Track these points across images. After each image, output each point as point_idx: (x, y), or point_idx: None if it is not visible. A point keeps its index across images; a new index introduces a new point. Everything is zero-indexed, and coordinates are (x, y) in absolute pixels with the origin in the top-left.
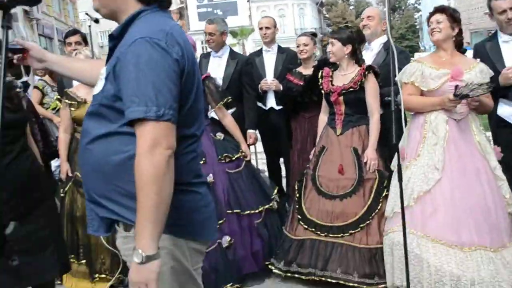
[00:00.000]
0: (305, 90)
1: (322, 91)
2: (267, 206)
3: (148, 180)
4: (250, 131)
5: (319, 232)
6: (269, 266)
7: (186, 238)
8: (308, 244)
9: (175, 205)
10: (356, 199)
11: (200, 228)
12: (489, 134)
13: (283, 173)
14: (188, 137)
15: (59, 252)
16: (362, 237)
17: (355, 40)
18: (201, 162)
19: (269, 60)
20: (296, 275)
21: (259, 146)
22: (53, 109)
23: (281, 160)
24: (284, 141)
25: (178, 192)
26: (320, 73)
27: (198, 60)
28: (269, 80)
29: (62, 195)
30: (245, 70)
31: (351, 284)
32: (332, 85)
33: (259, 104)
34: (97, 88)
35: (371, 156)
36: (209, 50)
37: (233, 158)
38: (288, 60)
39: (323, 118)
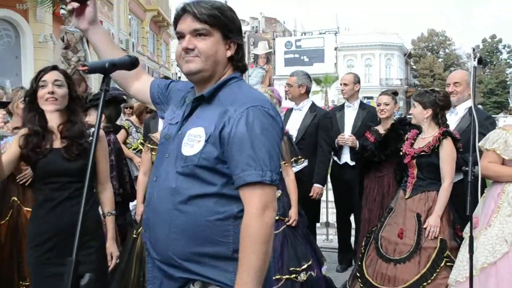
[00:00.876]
0: (377, 150)
1: (401, 153)
2: (286, 276)
3: (258, 240)
4: (316, 185)
5: None
6: None
7: None
8: None
9: None
10: (409, 266)
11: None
12: None
13: (353, 228)
14: None
15: None
16: None
17: (438, 105)
18: None
19: (350, 116)
20: None
21: (331, 195)
22: (134, 149)
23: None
24: (356, 197)
25: None
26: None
27: (282, 115)
28: (346, 135)
29: (134, 236)
30: (322, 124)
31: None
32: (412, 147)
33: (334, 158)
34: (192, 150)
35: (432, 223)
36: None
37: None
38: (368, 117)
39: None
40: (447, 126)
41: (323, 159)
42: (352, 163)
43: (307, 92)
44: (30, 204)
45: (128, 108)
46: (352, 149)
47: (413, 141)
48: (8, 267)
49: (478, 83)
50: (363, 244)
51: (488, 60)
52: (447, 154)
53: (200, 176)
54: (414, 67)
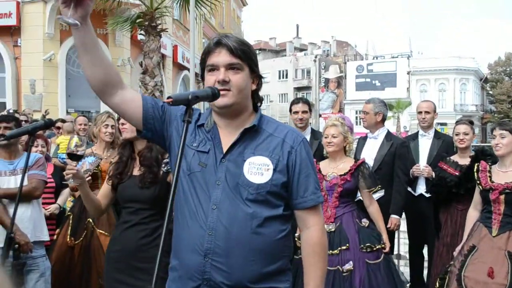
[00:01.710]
0: (462, 182)
1: (479, 186)
2: None
3: (326, 251)
4: (393, 216)
5: None
6: None
7: None
8: None
9: None
10: None
11: None
12: None
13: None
14: None
15: None
16: None
17: None
18: (344, 247)
19: (424, 145)
20: None
21: (403, 225)
22: None
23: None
24: (431, 230)
25: None
26: (476, 167)
27: (356, 143)
28: (422, 166)
29: None
30: (399, 153)
31: None
32: (492, 181)
33: (409, 189)
34: (263, 178)
35: None
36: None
37: (374, 249)
38: (444, 146)
39: (473, 213)
40: None
41: (400, 189)
42: (427, 195)
43: (383, 120)
44: (104, 227)
45: None
46: (427, 180)
47: (489, 174)
48: (77, 284)
49: None
50: (437, 284)
51: None
52: None
53: (270, 201)
54: (490, 92)
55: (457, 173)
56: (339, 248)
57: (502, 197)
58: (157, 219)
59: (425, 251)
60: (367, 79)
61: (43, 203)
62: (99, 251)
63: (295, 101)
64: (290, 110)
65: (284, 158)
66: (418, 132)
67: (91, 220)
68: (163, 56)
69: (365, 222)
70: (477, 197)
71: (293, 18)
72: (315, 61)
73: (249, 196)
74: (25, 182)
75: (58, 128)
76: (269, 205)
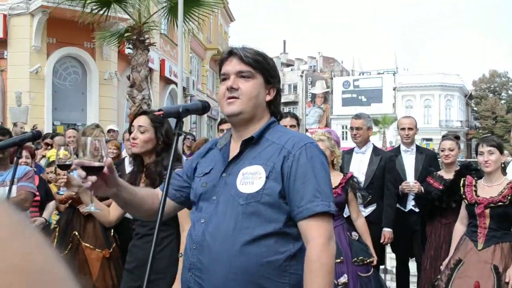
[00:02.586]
0: (445, 196)
1: (465, 201)
2: None
3: (328, 270)
4: (386, 229)
5: None
6: None
7: None
8: None
9: None
10: None
11: None
12: None
13: (413, 275)
14: None
15: None
16: None
17: (503, 149)
18: (338, 260)
19: (409, 161)
20: None
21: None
22: None
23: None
24: (418, 243)
25: None
26: (462, 181)
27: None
28: (411, 183)
29: None
30: (388, 166)
31: None
32: (477, 195)
33: (398, 205)
34: (253, 187)
35: None
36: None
37: (366, 262)
38: (427, 160)
39: (459, 227)
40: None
41: (391, 202)
42: (417, 210)
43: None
44: (90, 240)
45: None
46: (415, 195)
47: (474, 188)
48: None
49: None
50: None
51: None
52: None
53: (263, 214)
54: (475, 108)
55: (441, 187)
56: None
57: (487, 211)
58: (163, 230)
59: (413, 265)
60: (354, 95)
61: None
62: (83, 264)
63: (283, 116)
64: None
65: (279, 164)
66: (399, 147)
67: (76, 233)
68: (151, 70)
69: (355, 235)
70: (463, 212)
71: (280, 34)
72: (301, 76)
73: (238, 208)
74: (14, 194)
75: (47, 144)
76: (263, 219)
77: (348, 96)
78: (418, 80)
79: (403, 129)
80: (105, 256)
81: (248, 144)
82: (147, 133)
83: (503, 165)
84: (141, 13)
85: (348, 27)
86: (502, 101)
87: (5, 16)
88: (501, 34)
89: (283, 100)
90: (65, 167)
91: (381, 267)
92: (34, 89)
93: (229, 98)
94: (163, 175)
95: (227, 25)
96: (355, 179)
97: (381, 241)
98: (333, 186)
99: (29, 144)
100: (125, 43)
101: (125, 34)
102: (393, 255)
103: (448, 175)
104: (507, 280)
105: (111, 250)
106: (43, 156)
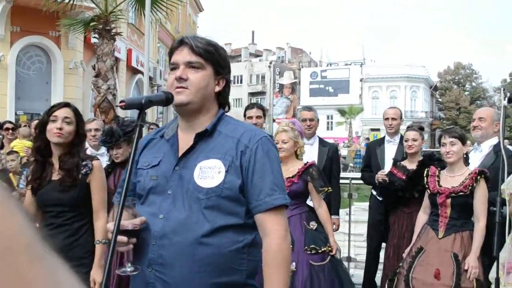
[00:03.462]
0: (407, 186)
1: (427, 191)
2: None
3: (287, 260)
4: (335, 217)
5: None
6: None
7: None
8: None
9: None
10: None
11: None
12: None
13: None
14: None
15: None
16: None
17: (466, 140)
18: None
19: (390, 151)
20: None
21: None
22: None
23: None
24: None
25: None
26: (426, 171)
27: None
28: (386, 172)
29: None
30: (334, 157)
31: None
32: (439, 185)
33: (374, 193)
34: (213, 181)
35: (472, 263)
36: None
37: (319, 251)
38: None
39: (422, 216)
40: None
41: (337, 190)
42: (380, 198)
43: None
44: None
45: None
46: (379, 184)
47: (437, 178)
48: None
49: (506, 117)
50: (386, 286)
51: None
52: (482, 194)
53: (223, 207)
54: (439, 100)
55: (404, 177)
56: None
57: (449, 201)
58: (79, 219)
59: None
60: (321, 85)
61: None
62: None
63: (250, 106)
64: (245, 115)
65: (237, 158)
66: (384, 137)
67: None
68: (117, 60)
69: (313, 225)
70: (426, 201)
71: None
72: (269, 67)
73: (199, 202)
74: None
75: (7, 129)
76: (223, 212)
77: (316, 86)
78: (385, 72)
79: (387, 119)
80: None
81: (202, 137)
82: (72, 125)
83: (465, 156)
84: (108, 2)
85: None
86: (466, 93)
87: None
88: (471, 29)
89: (251, 90)
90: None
91: (344, 255)
92: None
93: (177, 87)
94: (80, 166)
95: (196, 15)
96: (315, 167)
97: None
98: (292, 175)
99: None
100: (91, 32)
101: (91, 23)
102: (357, 243)
103: (411, 165)
104: (466, 268)
105: None
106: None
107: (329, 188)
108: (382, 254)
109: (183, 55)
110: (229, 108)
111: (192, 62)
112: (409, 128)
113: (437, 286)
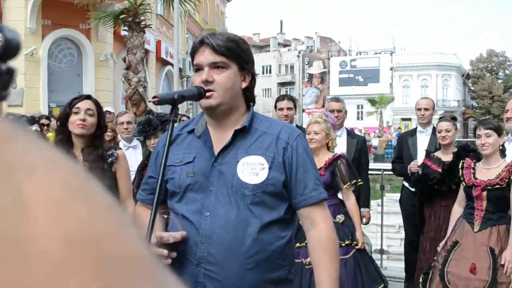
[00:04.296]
0: (444, 179)
1: (463, 183)
2: None
3: (337, 248)
4: (365, 209)
5: None
6: None
7: None
8: None
9: None
10: None
11: None
12: None
13: None
14: None
15: None
16: None
17: (502, 131)
18: None
19: (422, 142)
20: None
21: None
22: None
23: None
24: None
25: None
26: (461, 164)
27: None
28: (420, 162)
29: None
30: (363, 149)
31: None
32: (475, 178)
33: (406, 184)
34: (258, 178)
35: (509, 258)
36: None
37: (343, 244)
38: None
39: (457, 209)
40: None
41: (367, 183)
42: (413, 189)
43: None
44: None
45: None
46: (412, 175)
47: (473, 171)
48: None
49: None
50: (421, 279)
51: None
52: None
53: (267, 203)
54: (472, 88)
55: (439, 170)
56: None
57: (484, 193)
58: None
59: None
60: (350, 75)
61: None
62: None
63: (280, 98)
64: (275, 107)
65: (279, 155)
66: (416, 128)
67: None
68: (146, 51)
69: (339, 218)
70: (461, 194)
71: (277, 14)
72: (298, 56)
73: (245, 199)
74: None
75: (43, 125)
76: (268, 207)
77: (345, 76)
78: (415, 60)
79: (419, 109)
80: None
81: (239, 133)
82: (94, 117)
83: (501, 148)
84: None
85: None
86: (499, 81)
87: None
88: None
89: (280, 80)
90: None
91: (377, 247)
92: (29, 71)
93: (205, 91)
94: (105, 156)
95: (224, 5)
96: (343, 159)
97: (362, 222)
98: (319, 167)
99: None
100: (121, 25)
101: (121, 16)
102: (390, 235)
103: (446, 156)
104: (502, 262)
105: None
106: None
107: (359, 180)
108: None
109: (206, 56)
110: (254, 103)
111: (216, 62)
112: (441, 119)
113: (473, 280)
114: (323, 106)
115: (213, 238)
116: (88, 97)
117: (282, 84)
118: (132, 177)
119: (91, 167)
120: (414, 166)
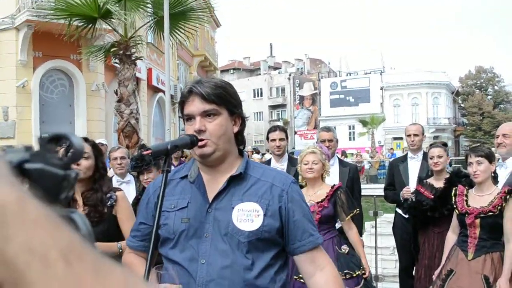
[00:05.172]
0: (436, 205)
1: (456, 210)
2: None
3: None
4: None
5: None
6: None
7: None
8: None
9: None
10: None
11: None
12: None
13: None
14: None
15: None
16: None
17: (494, 158)
18: None
19: (414, 167)
20: None
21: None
22: None
23: None
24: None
25: None
26: (453, 191)
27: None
28: (412, 188)
29: None
30: (355, 177)
31: None
32: (468, 205)
33: (399, 211)
34: (254, 224)
35: (504, 286)
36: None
37: (354, 275)
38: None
39: (451, 237)
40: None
41: (360, 211)
42: (406, 216)
43: None
44: None
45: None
46: (405, 201)
47: (465, 198)
48: None
49: None
50: None
51: None
52: None
53: (262, 249)
54: (462, 105)
55: (431, 196)
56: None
57: (478, 221)
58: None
59: None
60: (341, 96)
61: None
62: None
63: (272, 129)
64: (267, 138)
65: (274, 202)
66: (407, 154)
67: None
68: (138, 80)
69: (344, 248)
70: (455, 221)
71: (267, 37)
72: (289, 79)
73: (240, 245)
74: None
75: None
76: (263, 253)
77: (336, 97)
78: (405, 79)
79: (409, 135)
80: None
81: (234, 179)
82: (90, 159)
83: (493, 174)
84: (127, 27)
85: (335, 28)
86: (489, 97)
87: None
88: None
89: (272, 103)
90: None
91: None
92: (21, 103)
93: (198, 140)
94: (104, 200)
95: (214, 30)
96: (342, 190)
97: None
98: (321, 199)
99: None
100: (112, 57)
101: (111, 49)
102: (384, 257)
103: (438, 182)
104: None
105: None
106: None
107: (357, 210)
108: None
109: (197, 105)
110: (244, 146)
111: (207, 110)
112: (432, 145)
113: None
114: (315, 127)
115: (210, 286)
116: (84, 139)
117: (273, 107)
118: None
119: (90, 211)
120: (406, 192)
